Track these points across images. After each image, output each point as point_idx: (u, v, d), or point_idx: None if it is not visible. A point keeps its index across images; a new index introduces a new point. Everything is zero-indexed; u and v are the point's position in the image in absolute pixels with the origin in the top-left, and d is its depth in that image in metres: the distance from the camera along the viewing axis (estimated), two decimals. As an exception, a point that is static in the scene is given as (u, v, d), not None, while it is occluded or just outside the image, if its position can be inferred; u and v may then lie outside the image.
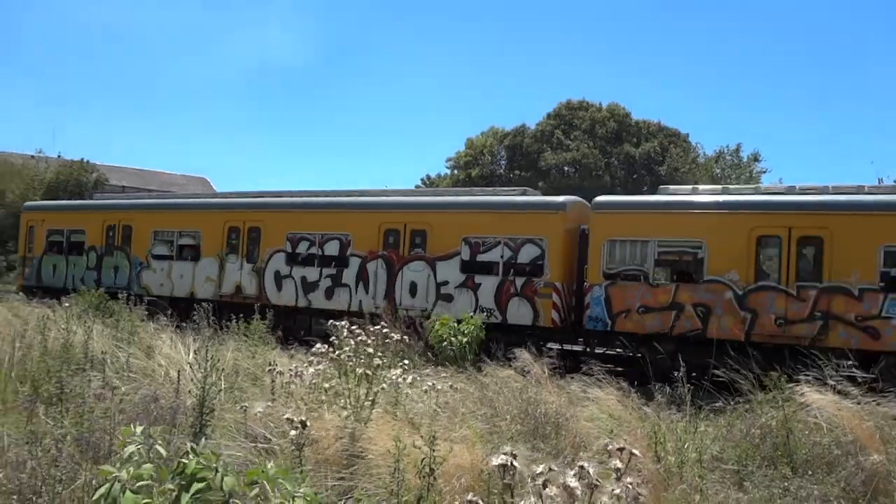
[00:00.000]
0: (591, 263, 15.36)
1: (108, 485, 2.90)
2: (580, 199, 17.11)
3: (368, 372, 6.73)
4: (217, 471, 2.93)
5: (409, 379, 7.55)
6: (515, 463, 3.32)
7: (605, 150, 47.89)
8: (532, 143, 49.39)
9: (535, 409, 8.11)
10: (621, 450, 3.32)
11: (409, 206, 18.14)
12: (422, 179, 57.92)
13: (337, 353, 7.34)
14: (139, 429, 3.32)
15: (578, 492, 2.88)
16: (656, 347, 13.29)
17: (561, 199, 16.77)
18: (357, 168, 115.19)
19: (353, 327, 7.74)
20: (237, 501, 2.88)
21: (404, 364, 8.04)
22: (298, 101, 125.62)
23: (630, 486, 3.17)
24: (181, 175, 64.83)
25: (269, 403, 6.82)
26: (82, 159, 49.46)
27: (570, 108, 50.06)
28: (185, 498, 2.83)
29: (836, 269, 13.17)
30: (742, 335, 13.63)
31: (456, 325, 13.86)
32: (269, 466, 3.01)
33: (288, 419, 4.69)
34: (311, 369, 7.41)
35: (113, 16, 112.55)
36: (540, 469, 3.11)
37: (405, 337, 9.28)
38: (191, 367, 7.69)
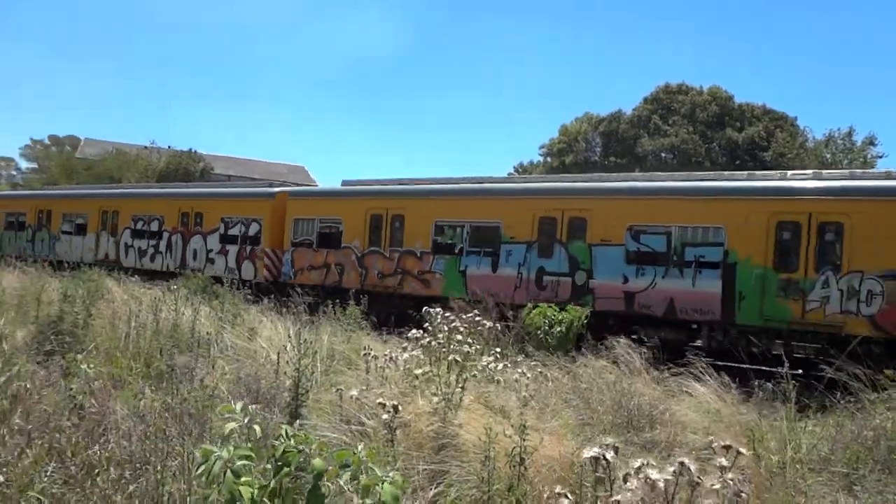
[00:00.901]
0: (285, 235, 21.40)
1: (209, 462, 2.98)
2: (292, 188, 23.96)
3: (458, 358, 6.75)
4: (307, 452, 2.98)
5: (500, 367, 7.52)
6: (608, 456, 3.23)
7: (705, 135, 46.11)
8: (628, 129, 48.14)
9: (629, 402, 7.93)
10: (727, 447, 3.19)
11: (194, 196, 25.45)
12: (515, 167, 57.65)
13: (429, 339, 7.40)
14: (239, 405, 3.41)
15: (661, 485, 2.78)
16: (319, 294, 17.61)
17: (273, 190, 22.91)
18: (451, 156, 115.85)
19: (447, 314, 7.78)
20: (329, 484, 2.92)
21: (496, 352, 8.01)
22: (393, 90, 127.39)
23: (731, 482, 3.04)
24: (282, 164, 67.05)
25: (364, 387, 6.95)
26: (190, 149, 52.17)
27: (668, 92, 48.43)
28: (274, 481, 2.89)
29: (410, 237, 18.54)
30: (359, 285, 18.74)
31: (555, 313, 13.60)
32: (359, 448, 3.04)
33: (380, 403, 4.78)
34: (405, 355, 7.51)
35: (217, 12, 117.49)
36: (638, 463, 3.02)
37: (497, 325, 9.28)
38: (287, 349, 7.94)
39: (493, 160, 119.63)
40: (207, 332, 10.10)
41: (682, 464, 2.98)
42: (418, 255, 18.21)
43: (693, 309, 14.00)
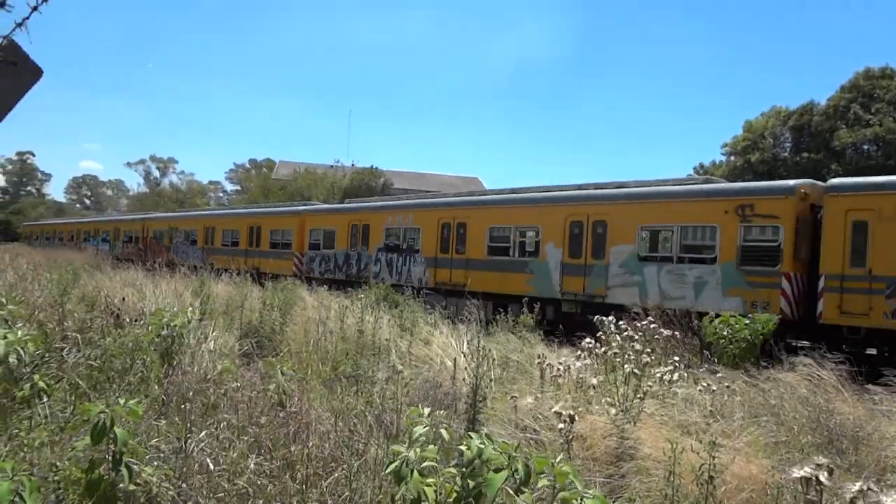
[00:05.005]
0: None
1: (397, 462, 3.16)
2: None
3: (637, 370, 6.52)
4: (512, 457, 3.01)
5: (676, 377, 7.17)
6: (822, 477, 2.95)
7: (917, 123, 41.20)
8: (822, 121, 44.15)
9: (828, 420, 7.24)
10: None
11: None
12: (695, 168, 54.94)
13: (604, 349, 7.24)
14: (426, 411, 3.56)
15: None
16: None
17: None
18: (626, 159, 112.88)
19: (620, 322, 7.57)
20: (526, 490, 2.91)
21: (675, 362, 7.65)
22: (561, 96, 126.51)
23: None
24: (455, 176, 68.86)
25: (538, 396, 6.93)
26: (371, 166, 55.33)
27: (869, 78, 43.80)
28: (495, 483, 2.92)
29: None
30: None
31: (739, 321, 12.68)
32: (558, 459, 3.00)
33: (556, 412, 4.73)
34: (578, 364, 7.40)
35: (386, 36, 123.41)
36: (856, 487, 2.74)
37: (676, 333, 8.87)
38: (464, 356, 8.12)
39: (673, 160, 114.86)
40: (387, 339, 10.60)
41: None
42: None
43: None
